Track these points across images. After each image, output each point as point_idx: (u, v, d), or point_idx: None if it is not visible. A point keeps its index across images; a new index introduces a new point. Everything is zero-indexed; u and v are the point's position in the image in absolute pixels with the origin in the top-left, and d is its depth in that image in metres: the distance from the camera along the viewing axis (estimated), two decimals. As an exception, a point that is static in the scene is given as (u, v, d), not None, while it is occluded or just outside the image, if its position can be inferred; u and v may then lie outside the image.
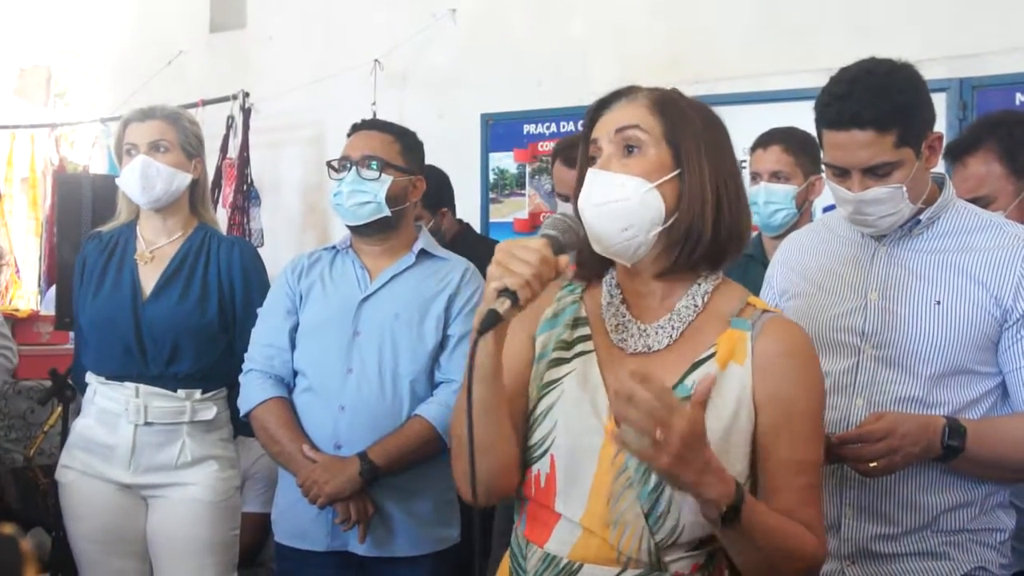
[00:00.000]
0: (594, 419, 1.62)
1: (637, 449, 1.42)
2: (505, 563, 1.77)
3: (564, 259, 1.57)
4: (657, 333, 1.64)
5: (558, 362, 1.68)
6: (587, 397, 1.63)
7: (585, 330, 1.70)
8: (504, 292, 1.50)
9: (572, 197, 3.20)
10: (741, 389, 1.59)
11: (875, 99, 1.97)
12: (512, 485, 1.67)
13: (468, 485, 1.54)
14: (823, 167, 2.16)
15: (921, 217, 2.09)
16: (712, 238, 1.60)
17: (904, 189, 2.01)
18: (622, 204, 1.58)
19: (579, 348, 1.68)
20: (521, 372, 1.70)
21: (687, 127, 1.62)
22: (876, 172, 2.00)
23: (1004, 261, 2.03)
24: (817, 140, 2.12)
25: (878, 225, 2.08)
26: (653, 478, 1.55)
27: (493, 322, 1.49)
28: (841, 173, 2.05)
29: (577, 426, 1.63)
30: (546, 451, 1.64)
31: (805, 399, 1.60)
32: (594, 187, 1.62)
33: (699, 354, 1.61)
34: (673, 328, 1.63)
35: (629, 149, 1.62)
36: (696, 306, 1.64)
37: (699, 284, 1.65)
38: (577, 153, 3.68)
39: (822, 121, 2.06)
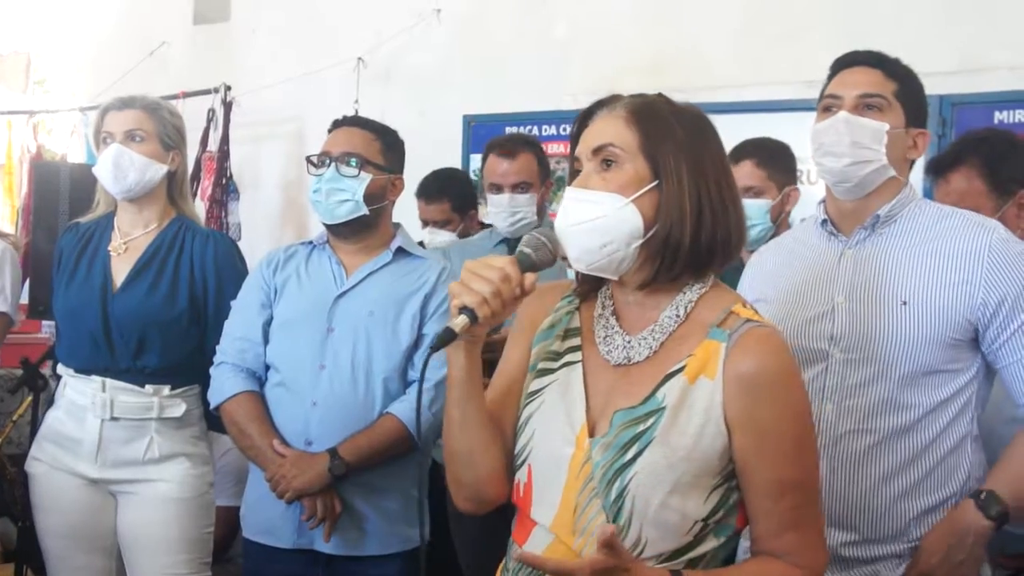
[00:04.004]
0: (567, 428, 1.62)
1: None
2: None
3: (531, 277, 1.59)
4: (639, 344, 1.62)
5: (543, 372, 1.69)
6: (563, 407, 1.64)
7: (576, 341, 1.69)
8: (463, 310, 1.54)
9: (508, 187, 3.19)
10: (709, 404, 1.55)
11: (886, 58, 2.16)
12: (502, 492, 1.70)
13: (457, 493, 1.70)
14: (818, 105, 2.21)
15: (880, 212, 2.11)
16: (692, 248, 1.57)
17: (888, 129, 2.09)
18: (600, 221, 1.57)
19: (567, 359, 1.68)
20: (517, 380, 1.73)
21: (666, 137, 1.59)
22: (870, 102, 2.10)
23: (970, 249, 2.05)
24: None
25: (845, 163, 2.10)
26: (615, 490, 1.55)
27: (447, 340, 1.54)
28: (833, 106, 2.14)
29: (551, 436, 1.63)
30: (525, 460, 1.66)
31: (779, 420, 1.54)
32: (571, 206, 1.60)
33: (673, 365, 1.58)
34: (654, 339, 1.62)
35: (606, 163, 1.60)
36: (678, 316, 1.61)
37: (684, 293, 1.62)
38: (512, 148, 3.74)
39: (834, 69, 2.20)
